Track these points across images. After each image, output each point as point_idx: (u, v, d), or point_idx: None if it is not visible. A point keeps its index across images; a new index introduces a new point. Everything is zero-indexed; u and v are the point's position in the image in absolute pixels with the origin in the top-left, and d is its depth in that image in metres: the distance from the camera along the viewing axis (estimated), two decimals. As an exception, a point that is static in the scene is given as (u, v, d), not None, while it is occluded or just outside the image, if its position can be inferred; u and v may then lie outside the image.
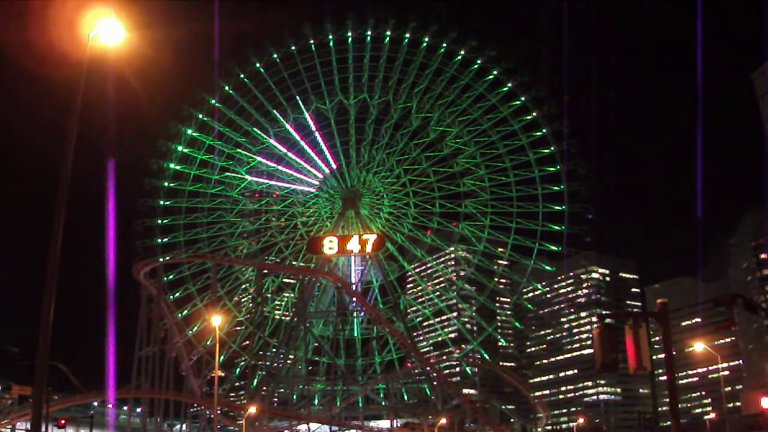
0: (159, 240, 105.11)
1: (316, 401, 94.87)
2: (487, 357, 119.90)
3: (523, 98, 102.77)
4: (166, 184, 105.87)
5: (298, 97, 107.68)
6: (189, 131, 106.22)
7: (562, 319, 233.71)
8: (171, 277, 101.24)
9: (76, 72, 16.82)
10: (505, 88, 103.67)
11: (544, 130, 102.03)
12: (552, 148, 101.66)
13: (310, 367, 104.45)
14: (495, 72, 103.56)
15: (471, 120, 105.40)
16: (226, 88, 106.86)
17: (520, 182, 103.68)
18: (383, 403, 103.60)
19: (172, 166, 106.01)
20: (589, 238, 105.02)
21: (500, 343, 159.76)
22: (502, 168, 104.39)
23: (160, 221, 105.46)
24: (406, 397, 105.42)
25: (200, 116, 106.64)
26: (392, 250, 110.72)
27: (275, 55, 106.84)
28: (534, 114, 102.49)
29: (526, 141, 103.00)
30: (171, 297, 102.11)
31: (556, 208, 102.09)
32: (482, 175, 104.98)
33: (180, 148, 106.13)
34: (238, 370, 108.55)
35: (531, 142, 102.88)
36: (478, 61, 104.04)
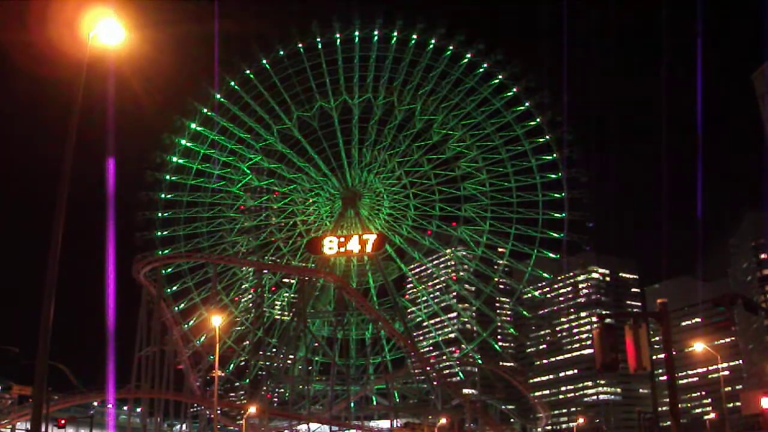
0: (159, 233, 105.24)
1: (307, 402, 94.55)
2: (480, 361, 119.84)
3: (527, 104, 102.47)
4: (168, 177, 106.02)
5: (302, 95, 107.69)
6: (193, 125, 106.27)
7: (562, 319, 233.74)
8: (169, 270, 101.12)
9: (76, 72, 16.82)
10: (510, 93, 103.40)
11: (547, 137, 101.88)
12: (554, 155, 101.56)
13: (309, 367, 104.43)
14: (500, 77, 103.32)
15: (474, 124, 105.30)
16: (232, 83, 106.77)
17: (521, 188, 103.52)
18: (375, 401, 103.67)
19: (174, 159, 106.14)
20: (589, 247, 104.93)
21: (500, 344, 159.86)
22: (504, 173, 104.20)
23: (160, 214, 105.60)
24: (397, 399, 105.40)
25: (204, 111, 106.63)
26: (390, 252, 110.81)
27: (282, 52, 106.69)
28: (538, 120, 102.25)
29: (529, 147, 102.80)
30: (168, 290, 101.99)
31: (556, 215, 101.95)
32: (483, 179, 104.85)
33: (183, 141, 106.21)
34: (231, 365, 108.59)
35: (533, 148, 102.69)
36: (484, 65, 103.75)
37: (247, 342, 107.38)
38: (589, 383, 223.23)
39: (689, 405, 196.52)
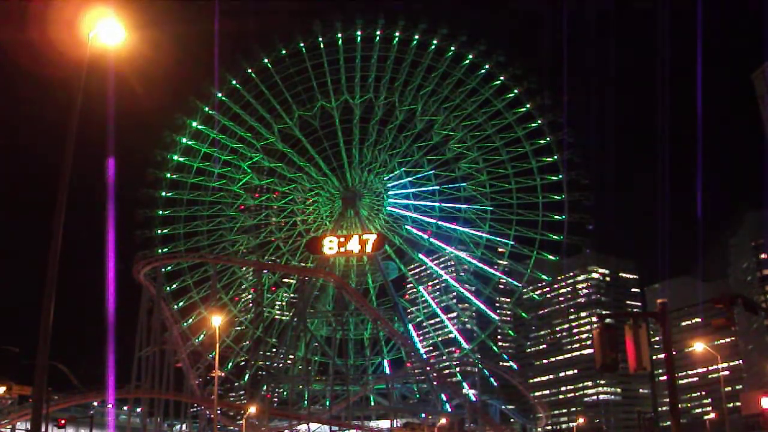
0: (159, 231, 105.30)
1: (305, 402, 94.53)
2: (478, 362, 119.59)
3: (528, 105, 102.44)
4: (168, 175, 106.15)
5: (303, 95, 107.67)
6: (194, 124, 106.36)
7: (560, 320, 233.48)
8: (169, 268, 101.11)
9: (76, 72, 16.82)
10: (511, 94, 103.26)
11: (547, 138, 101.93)
12: (555, 157, 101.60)
13: (309, 367, 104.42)
14: (502, 77, 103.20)
15: (475, 125, 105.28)
16: (233, 81, 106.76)
17: (521, 189, 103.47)
18: (372, 401, 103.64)
19: (175, 157, 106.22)
20: (589, 250, 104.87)
21: (500, 344, 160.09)
22: (504, 174, 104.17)
23: (161, 212, 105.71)
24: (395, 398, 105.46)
25: (206, 109, 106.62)
26: (390, 252, 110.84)
27: (283, 51, 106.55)
28: (538, 122, 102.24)
29: (530, 148, 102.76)
30: (168, 289, 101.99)
31: (556, 217, 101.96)
32: (483, 180, 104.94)
33: (184, 140, 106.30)
34: (230, 364, 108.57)
35: (534, 149, 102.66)
36: (486, 66, 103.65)
37: (247, 342, 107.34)
38: (589, 383, 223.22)
39: (689, 405, 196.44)
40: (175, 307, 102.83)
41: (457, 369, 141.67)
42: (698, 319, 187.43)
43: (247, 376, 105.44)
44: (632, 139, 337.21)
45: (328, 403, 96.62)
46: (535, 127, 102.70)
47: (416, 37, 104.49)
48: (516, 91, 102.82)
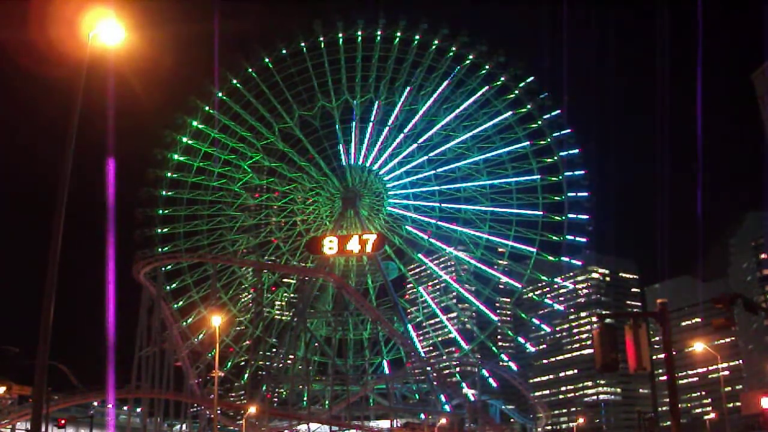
0: (159, 230, 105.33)
1: (305, 402, 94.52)
2: (478, 362, 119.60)
3: (528, 105, 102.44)
4: (168, 174, 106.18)
5: (303, 95, 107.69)
6: (194, 123, 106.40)
7: (560, 320, 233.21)
8: (168, 268, 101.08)
9: (76, 72, 16.83)
10: (512, 95, 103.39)
11: (548, 139, 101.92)
12: (555, 157, 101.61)
13: (309, 368, 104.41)
14: (502, 78, 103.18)
15: (476, 125, 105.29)
16: (234, 81, 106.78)
17: (521, 190, 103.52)
18: (372, 401, 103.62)
19: (176, 157, 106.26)
20: (589, 251, 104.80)
21: (500, 344, 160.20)
22: (504, 174, 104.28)
23: (161, 211, 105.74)
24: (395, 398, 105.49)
25: (206, 108, 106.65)
26: (390, 252, 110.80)
27: (284, 51, 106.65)
28: (539, 122, 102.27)
29: (530, 149, 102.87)
30: (167, 288, 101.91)
31: (556, 218, 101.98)
32: (484, 180, 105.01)
33: (184, 139, 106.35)
34: (230, 364, 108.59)
35: (534, 150, 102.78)
36: (486, 66, 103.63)
37: (247, 342, 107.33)
38: (589, 383, 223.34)
39: (689, 405, 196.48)
40: (175, 306, 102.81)
41: (457, 369, 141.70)
42: (698, 319, 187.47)
43: (247, 376, 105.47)
44: (632, 139, 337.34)
45: (327, 404, 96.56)
46: (536, 127, 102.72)
47: (417, 37, 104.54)
48: (516, 92, 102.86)
